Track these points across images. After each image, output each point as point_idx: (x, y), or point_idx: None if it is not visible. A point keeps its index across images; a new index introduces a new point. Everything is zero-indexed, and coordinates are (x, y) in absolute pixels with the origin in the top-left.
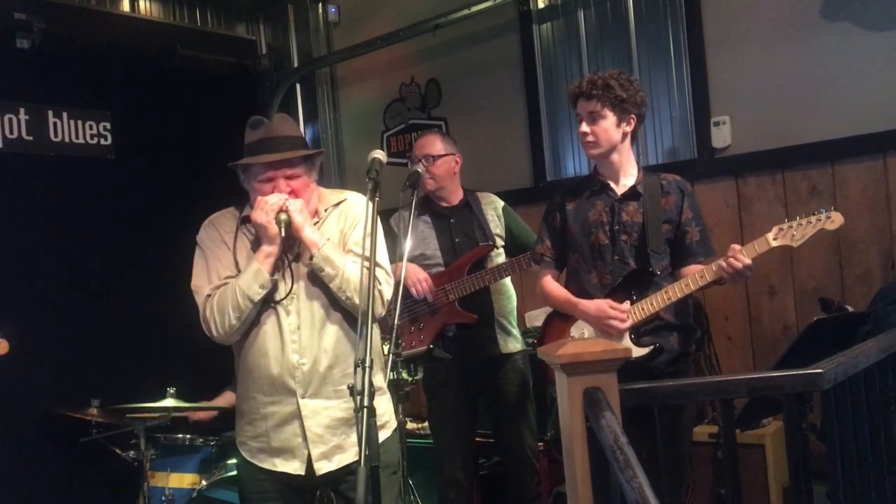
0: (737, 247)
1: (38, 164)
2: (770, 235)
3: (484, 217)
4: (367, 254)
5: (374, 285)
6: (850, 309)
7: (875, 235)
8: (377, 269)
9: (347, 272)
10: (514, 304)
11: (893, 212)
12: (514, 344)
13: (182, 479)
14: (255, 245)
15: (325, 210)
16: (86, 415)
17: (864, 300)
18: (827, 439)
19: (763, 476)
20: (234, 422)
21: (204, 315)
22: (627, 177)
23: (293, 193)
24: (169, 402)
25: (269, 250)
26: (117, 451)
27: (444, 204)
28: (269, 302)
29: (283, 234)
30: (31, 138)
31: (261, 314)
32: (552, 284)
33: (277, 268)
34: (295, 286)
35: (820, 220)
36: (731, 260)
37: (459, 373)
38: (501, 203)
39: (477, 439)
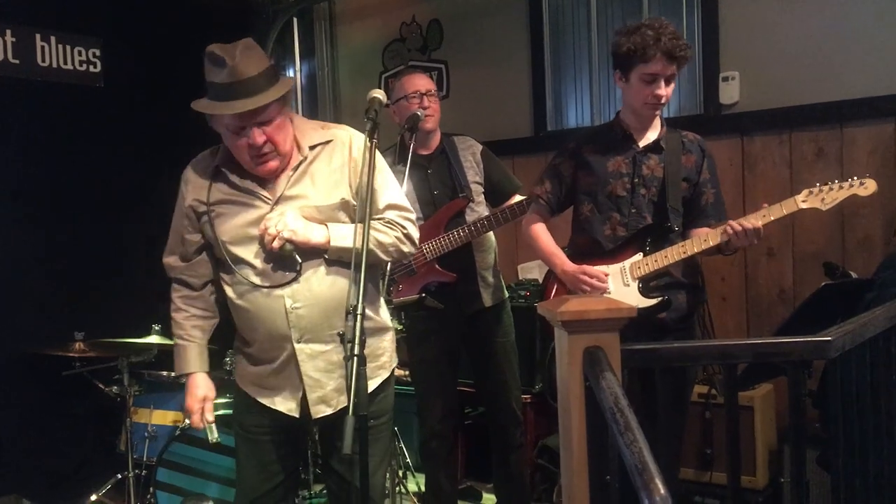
0: (752, 217)
1: (25, 89)
2: (799, 197)
3: (461, 165)
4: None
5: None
6: (854, 275)
7: (880, 201)
8: (401, 212)
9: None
10: (495, 254)
11: None
12: (497, 294)
13: (165, 416)
14: (234, 204)
15: (310, 149)
16: (69, 348)
17: (864, 266)
18: (829, 407)
19: (751, 437)
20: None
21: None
22: (653, 129)
23: (269, 139)
24: (154, 339)
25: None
26: (100, 385)
27: (423, 151)
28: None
29: (301, 261)
30: (17, 62)
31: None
32: (542, 232)
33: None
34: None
35: (853, 186)
36: (735, 224)
37: (441, 325)
38: (480, 147)
39: (463, 389)
